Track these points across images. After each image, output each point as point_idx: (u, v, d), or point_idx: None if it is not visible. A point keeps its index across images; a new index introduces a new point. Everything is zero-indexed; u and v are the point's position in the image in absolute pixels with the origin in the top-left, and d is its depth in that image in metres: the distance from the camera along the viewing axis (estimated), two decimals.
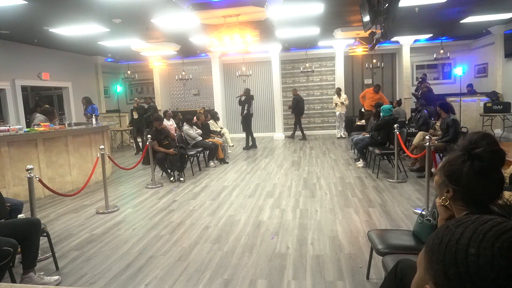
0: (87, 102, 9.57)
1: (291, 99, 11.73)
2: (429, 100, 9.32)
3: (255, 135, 10.36)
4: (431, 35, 10.72)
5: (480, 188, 1.19)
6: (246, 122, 9.94)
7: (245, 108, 9.76)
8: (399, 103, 10.10)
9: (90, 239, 4.02)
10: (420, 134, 6.67)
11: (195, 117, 8.49)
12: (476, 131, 1.28)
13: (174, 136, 7.42)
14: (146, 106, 10.18)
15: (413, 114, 8.84)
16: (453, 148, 1.29)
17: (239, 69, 12.70)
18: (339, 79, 12.15)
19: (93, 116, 7.95)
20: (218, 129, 9.12)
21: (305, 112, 13.18)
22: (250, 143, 10.13)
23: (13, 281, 2.81)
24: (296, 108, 11.42)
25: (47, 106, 8.04)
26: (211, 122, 9.08)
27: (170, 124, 8.90)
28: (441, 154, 5.88)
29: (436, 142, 5.94)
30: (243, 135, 10.48)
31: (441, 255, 0.57)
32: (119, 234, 4.13)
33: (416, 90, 10.68)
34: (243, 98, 9.75)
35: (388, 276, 1.85)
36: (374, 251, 2.60)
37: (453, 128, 5.85)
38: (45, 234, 3.28)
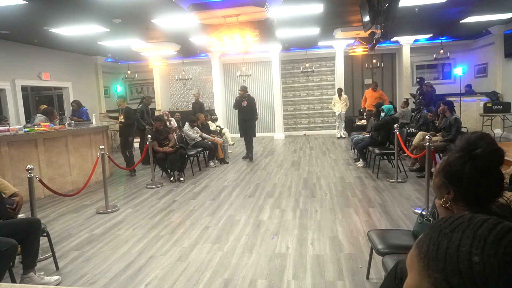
0: (78, 105, 8.87)
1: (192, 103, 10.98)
2: (430, 100, 9.32)
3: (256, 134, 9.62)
4: (431, 35, 10.72)
5: (481, 188, 1.19)
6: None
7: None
8: (406, 103, 9.56)
9: (90, 239, 4.02)
10: (420, 134, 6.67)
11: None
12: (474, 131, 1.28)
13: (174, 135, 7.42)
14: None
15: (413, 114, 8.83)
16: (452, 149, 1.29)
17: (239, 69, 12.70)
18: (339, 79, 12.15)
19: (93, 117, 7.94)
20: (214, 128, 9.12)
21: (305, 112, 13.26)
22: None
23: (13, 281, 2.81)
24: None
25: (46, 106, 7.98)
26: (209, 122, 9.10)
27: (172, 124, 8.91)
28: (441, 154, 5.88)
29: (439, 141, 5.96)
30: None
31: (441, 264, 0.55)
32: (119, 234, 4.13)
33: (417, 91, 10.66)
34: (245, 102, 8.29)
35: (388, 276, 1.85)
36: (374, 251, 2.60)
37: (455, 127, 5.86)
38: (45, 234, 3.28)
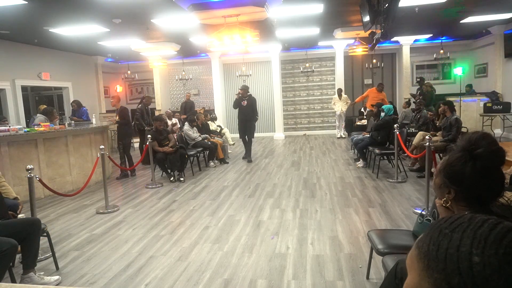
0: (78, 105, 8.82)
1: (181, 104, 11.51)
2: (430, 100, 9.32)
3: (255, 134, 9.01)
4: (431, 35, 10.72)
5: (482, 188, 1.19)
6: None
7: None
8: (408, 103, 9.46)
9: (90, 239, 4.02)
10: (420, 134, 6.67)
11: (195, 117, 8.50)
12: (475, 131, 1.28)
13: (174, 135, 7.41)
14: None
15: (413, 114, 8.83)
16: (452, 149, 1.29)
17: (239, 69, 12.71)
18: (339, 79, 12.15)
19: (93, 117, 7.93)
20: (215, 128, 9.12)
21: (305, 112, 13.26)
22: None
23: (13, 281, 2.81)
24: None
25: (46, 106, 7.96)
26: (209, 122, 9.10)
27: (174, 122, 8.93)
28: (440, 154, 5.88)
29: (439, 141, 5.95)
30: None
31: (441, 264, 0.55)
32: (119, 234, 4.13)
33: (417, 91, 10.65)
34: (245, 102, 8.11)
35: (388, 276, 1.85)
36: (374, 251, 2.60)
37: (455, 127, 5.87)
38: (45, 234, 3.29)
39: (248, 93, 8.20)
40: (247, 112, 8.13)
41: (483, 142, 1.20)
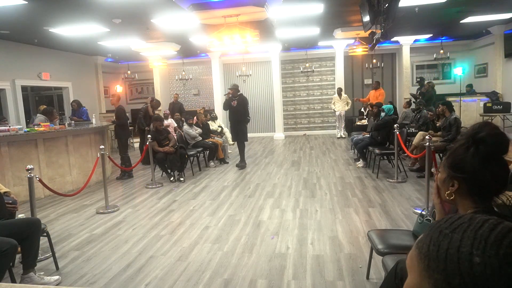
0: (78, 105, 8.85)
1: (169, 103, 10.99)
2: (429, 99, 9.33)
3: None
4: (431, 35, 10.72)
5: (486, 176, 1.16)
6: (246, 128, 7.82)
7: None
8: (409, 103, 9.35)
9: (90, 239, 4.02)
10: (420, 134, 6.67)
11: (195, 117, 8.50)
12: (477, 122, 1.27)
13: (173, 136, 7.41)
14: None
15: (413, 114, 8.83)
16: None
17: (239, 69, 12.70)
18: (339, 79, 12.15)
19: (93, 117, 7.94)
20: (216, 128, 9.12)
21: (305, 112, 13.25)
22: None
23: (13, 281, 2.81)
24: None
25: (45, 106, 7.96)
26: (209, 122, 9.09)
27: (169, 122, 8.93)
28: (441, 154, 5.89)
29: (439, 141, 5.96)
30: None
31: (442, 264, 0.55)
32: (119, 234, 4.13)
33: (417, 91, 10.66)
34: (235, 102, 7.47)
35: (388, 276, 1.85)
36: (374, 251, 2.60)
37: (455, 127, 5.87)
38: (45, 234, 3.28)
39: (239, 93, 7.58)
40: (238, 113, 7.50)
41: (486, 127, 1.19)
